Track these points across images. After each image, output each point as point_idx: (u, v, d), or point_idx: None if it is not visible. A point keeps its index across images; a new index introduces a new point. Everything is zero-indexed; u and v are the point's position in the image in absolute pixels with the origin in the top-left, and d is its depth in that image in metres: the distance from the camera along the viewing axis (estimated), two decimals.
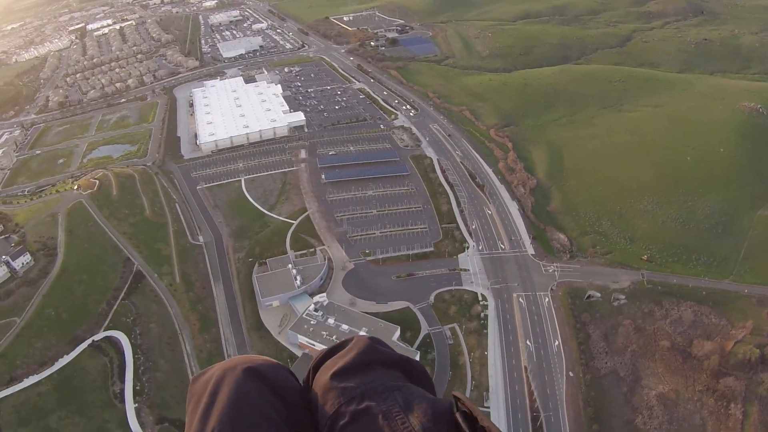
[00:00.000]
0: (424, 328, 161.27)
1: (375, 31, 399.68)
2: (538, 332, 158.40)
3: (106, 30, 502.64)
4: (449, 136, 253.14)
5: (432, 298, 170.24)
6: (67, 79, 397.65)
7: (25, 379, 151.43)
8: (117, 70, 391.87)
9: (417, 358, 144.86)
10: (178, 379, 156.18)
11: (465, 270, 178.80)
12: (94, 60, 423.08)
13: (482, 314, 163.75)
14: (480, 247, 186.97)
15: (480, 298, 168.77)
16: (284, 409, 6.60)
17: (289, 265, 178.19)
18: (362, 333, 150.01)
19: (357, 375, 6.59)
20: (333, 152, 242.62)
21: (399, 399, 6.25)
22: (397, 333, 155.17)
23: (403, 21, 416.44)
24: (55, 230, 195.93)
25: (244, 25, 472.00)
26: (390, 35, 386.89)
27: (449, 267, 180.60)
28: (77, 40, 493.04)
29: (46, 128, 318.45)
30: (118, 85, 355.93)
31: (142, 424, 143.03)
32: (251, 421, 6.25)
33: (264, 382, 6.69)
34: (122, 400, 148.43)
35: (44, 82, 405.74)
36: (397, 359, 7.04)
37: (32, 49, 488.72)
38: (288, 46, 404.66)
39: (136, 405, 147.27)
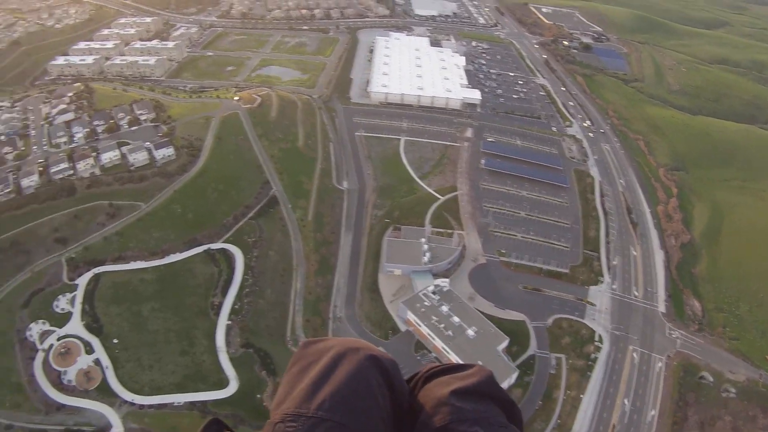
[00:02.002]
0: (532, 348, 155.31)
1: (571, 32, 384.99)
2: (639, 395, 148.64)
3: None
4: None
5: (550, 321, 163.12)
6: None
7: (132, 262, 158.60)
8: None
9: (515, 376, 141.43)
10: (278, 312, 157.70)
11: (592, 304, 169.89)
12: None
13: (592, 355, 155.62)
14: (614, 286, 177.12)
15: (596, 339, 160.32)
16: (393, 406, 6.60)
17: (423, 239, 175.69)
18: (470, 332, 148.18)
19: (473, 401, 6.65)
20: (492, 139, 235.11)
21: None
22: (505, 344, 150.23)
23: (600, 29, 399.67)
24: (205, 133, 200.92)
25: None
26: (585, 40, 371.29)
27: (577, 295, 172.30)
28: None
29: (224, 33, 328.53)
30: (304, 11, 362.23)
31: (228, 342, 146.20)
32: (364, 406, 6.19)
33: (383, 374, 6.62)
34: (217, 314, 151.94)
35: None
36: (507, 400, 7.06)
37: None
38: (481, 20, 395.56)
39: (229, 322, 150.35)
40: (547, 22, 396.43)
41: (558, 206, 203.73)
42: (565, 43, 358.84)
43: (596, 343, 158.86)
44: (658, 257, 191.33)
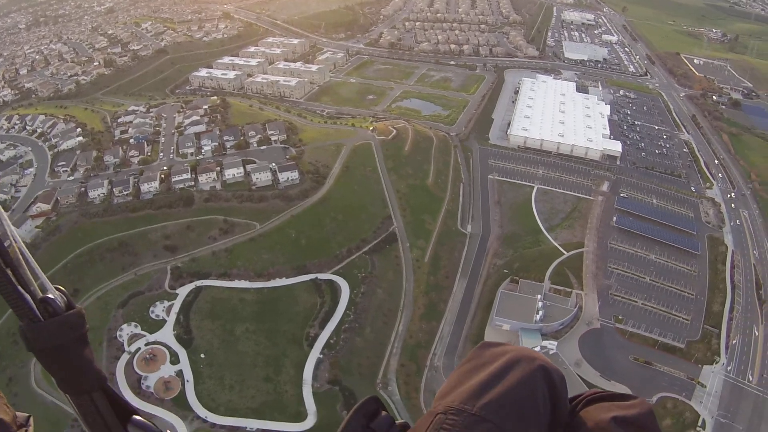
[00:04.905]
0: None
1: (721, 86, 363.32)
2: None
3: None
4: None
5: (655, 398, 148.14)
6: (406, 23, 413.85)
7: (236, 280, 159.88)
8: (457, 32, 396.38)
9: None
10: (373, 353, 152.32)
11: (702, 385, 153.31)
12: (438, 15, 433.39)
13: None
14: (729, 368, 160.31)
15: (699, 423, 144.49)
16: (552, 419, 6.38)
17: (539, 296, 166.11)
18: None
19: (631, 431, 6.32)
20: (625, 195, 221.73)
21: None
22: None
23: (751, 85, 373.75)
24: (334, 160, 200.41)
25: (595, 31, 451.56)
26: (734, 95, 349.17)
27: (689, 374, 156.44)
28: None
29: (369, 62, 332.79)
30: (452, 46, 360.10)
31: (315, 376, 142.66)
32: (526, 414, 6.10)
33: (551, 387, 6.40)
34: (311, 345, 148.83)
35: (383, 19, 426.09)
36: None
37: None
38: (631, 68, 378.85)
39: (321, 356, 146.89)
40: (697, 74, 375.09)
41: (685, 274, 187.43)
42: (714, 97, 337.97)
43: (698, 429, 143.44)
44: None
